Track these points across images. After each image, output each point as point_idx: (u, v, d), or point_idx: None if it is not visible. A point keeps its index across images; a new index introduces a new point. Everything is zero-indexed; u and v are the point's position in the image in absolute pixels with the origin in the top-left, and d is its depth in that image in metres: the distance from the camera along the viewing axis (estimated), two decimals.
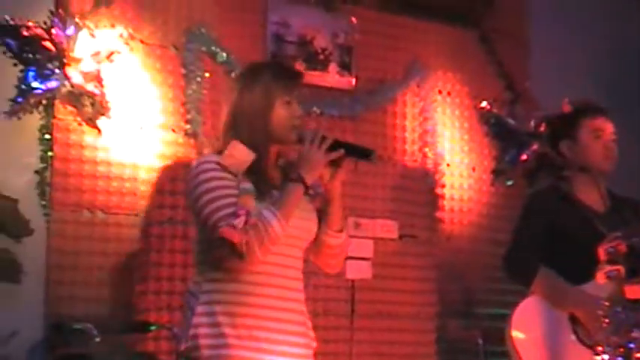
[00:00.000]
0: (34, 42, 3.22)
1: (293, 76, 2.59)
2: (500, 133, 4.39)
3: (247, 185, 2.39)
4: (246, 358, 2.38)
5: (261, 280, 2.43)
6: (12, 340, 3.02)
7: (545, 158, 4.19)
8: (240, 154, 2.44)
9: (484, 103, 4.38)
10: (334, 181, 2.53)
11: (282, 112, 2.49)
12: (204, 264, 2.46)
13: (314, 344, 2.51)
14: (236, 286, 2.41)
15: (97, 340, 3.16)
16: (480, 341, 3.92)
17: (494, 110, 4.39)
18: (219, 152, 2.48)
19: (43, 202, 3.31)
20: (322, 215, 2.57)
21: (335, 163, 2.52)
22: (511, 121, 4.40)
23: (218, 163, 2.40)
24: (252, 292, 2.41)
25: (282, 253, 2.47)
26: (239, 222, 2.32)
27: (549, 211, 2.97)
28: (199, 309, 2.41)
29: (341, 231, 2.58)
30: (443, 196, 4.25)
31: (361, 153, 2.55)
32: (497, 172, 4.39)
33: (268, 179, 2.49)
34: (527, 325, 2.97)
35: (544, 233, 2.96)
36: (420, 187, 4.19)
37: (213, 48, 3.68)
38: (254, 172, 2.45)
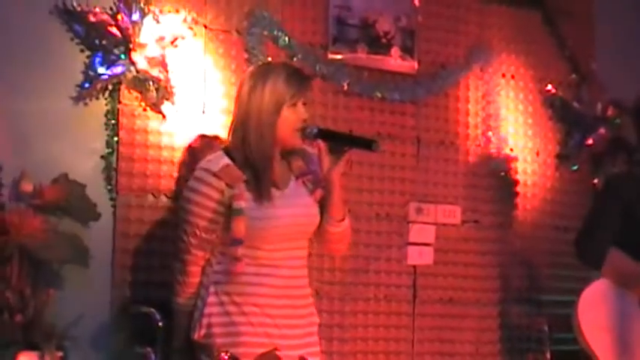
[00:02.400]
0: (101, 28, 3.23)
1: (302, 79, 2.62)
2: (566, 117, 4.31)
3: (241, 203, 2.45)
4: (256, 343, 2.47)
5: (265, 271, 2.52)
6: (80, 322, 3.05)
7: (614, 143, 4.11)
8: (234, 172, 2.55)
9: (549, 87, 4.30)
10: (334, 171, 2.55)
11: (289, 116, 2.54)
12: (212, 256, 2.53)
13: (317, 319, 2.69)
14: (237, 278, 2.52)
15: (160, 324, 3.19)
16: (546, 328, 3.86)
17: (559, 93, 4.31)
18: (228, 151, 2.54)
19: (109, 187, 3.34)
20: (324, 204, 2.60)
21: (335, 154, 2.54)
22: (576, 105, 4.31)
23: (216, 175, 2.53)
24: (257, 282, 2.52)
25: (285, 247, 2.55)
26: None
27: (625, 196, 2.93)
28: (210, 299, 2.52)
29: (342, 220, 2.63)
30: (506, 182, 4.19)
31: (362, 143, 2.58)
32: (562, 157, 4.31)
33: (269, 183, 2.55)
34: (594, 309, 2.94)
35: (619, 217, 2.92)
36: (483, 172, 4.13)
37: (275, 32, 3.66)
38: (255, 178, 2.50)
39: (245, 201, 2.50)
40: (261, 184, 2.53)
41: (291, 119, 2.56)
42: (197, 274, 2.57)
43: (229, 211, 2.50)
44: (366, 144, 2.56)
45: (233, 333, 2.50)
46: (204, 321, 2.53)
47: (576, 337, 2.95)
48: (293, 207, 2.57)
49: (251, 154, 2.54)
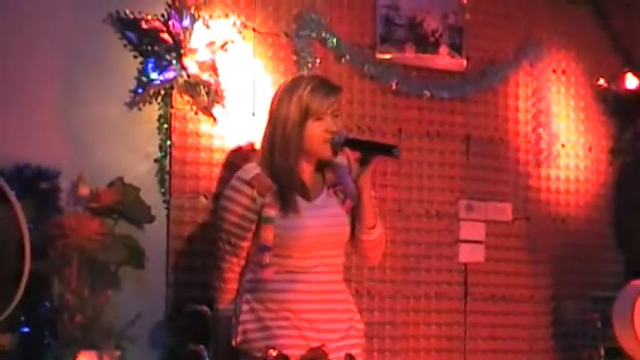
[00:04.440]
0: (153, 34, 3.31)
1: (329, 91, 2.66)
2: (618, 111, 4.26)
3: (271, 212, 2.50)
4: (293, 344, 2.50)
5: (297, 277, 2.60)
6: (137, 321, 3.12)
7: None
8: (265, 182, 2.64)
9: (601, 81, 4.25)
10: (362, 179, 2.58)
11: (315, 128, 2.59)
12: (245, 266, 2.59)
13: (361, 325, 2.71)
14: (269, 285, 2.59)
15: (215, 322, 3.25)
16: (599, 324, 3.83)
17: (612, 87, 4.26)
18: (261, 161, 2.58)
19: (163, 190, 3.41)
20: (355, 213, 2.63)
21: (363, 162, 2.58)
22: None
23: (249, 183, 2.62)
24: (289, 288, 2.59)
25: (317, 255, 2.59)
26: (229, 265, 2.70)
27: None
28: (244, 307, 2.57)
29: (374, 227, 2.65)
30: (558, 177, 4.16)
31: (383, 150, 2.64)
32: (614, 152, 4.26)
33: (292, 194, 2.62)
34: None
35: None
36: (534, 169, 4.11)
37: (323, 34, 3.69)
38: (280, 189, 2.54)
39: (275, 210, 2.55)
40: (285, 195, 2.59)
41: (318, 131, 2.62)
42: (233, 281, 2.64)
43: (260, 219, 2.56)
44: (387, 150, 2.63)
45: (268, 337, 2.57)
46: (240, 328, 2.61)
47: (622, 336, 2.93)
48: (322, 217, 2.62)
49: (275, 166, 2.60)
